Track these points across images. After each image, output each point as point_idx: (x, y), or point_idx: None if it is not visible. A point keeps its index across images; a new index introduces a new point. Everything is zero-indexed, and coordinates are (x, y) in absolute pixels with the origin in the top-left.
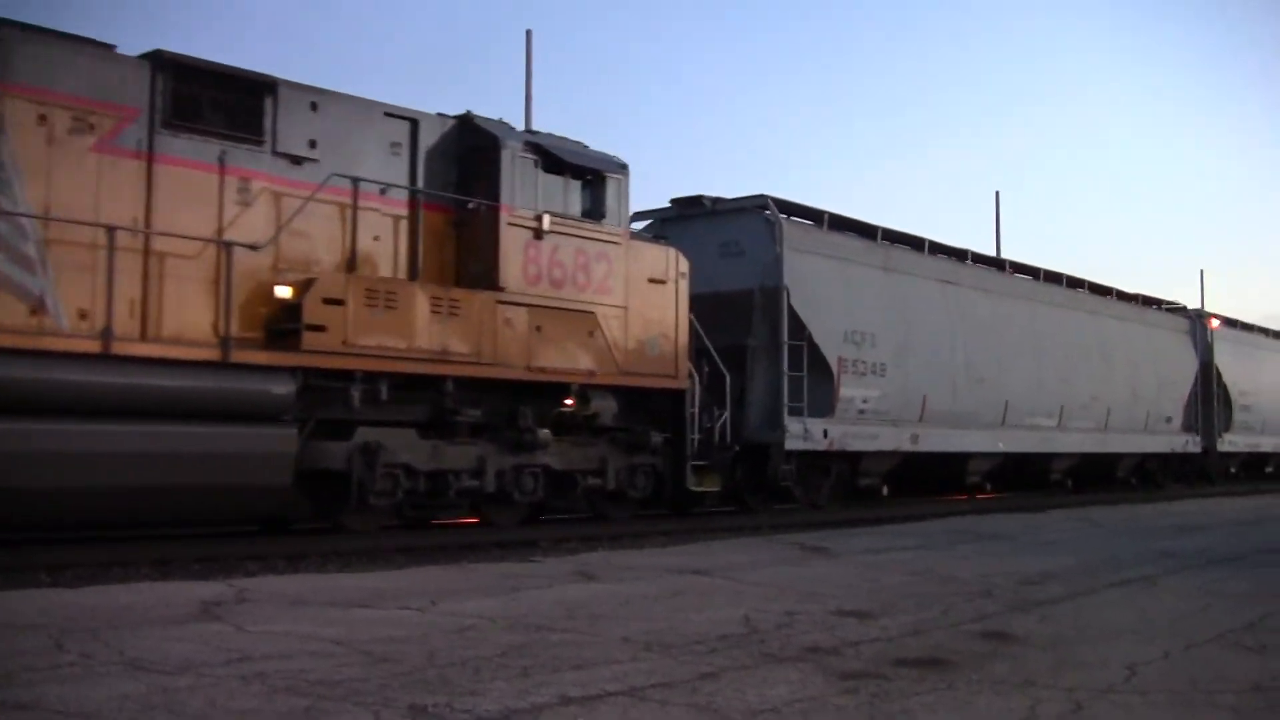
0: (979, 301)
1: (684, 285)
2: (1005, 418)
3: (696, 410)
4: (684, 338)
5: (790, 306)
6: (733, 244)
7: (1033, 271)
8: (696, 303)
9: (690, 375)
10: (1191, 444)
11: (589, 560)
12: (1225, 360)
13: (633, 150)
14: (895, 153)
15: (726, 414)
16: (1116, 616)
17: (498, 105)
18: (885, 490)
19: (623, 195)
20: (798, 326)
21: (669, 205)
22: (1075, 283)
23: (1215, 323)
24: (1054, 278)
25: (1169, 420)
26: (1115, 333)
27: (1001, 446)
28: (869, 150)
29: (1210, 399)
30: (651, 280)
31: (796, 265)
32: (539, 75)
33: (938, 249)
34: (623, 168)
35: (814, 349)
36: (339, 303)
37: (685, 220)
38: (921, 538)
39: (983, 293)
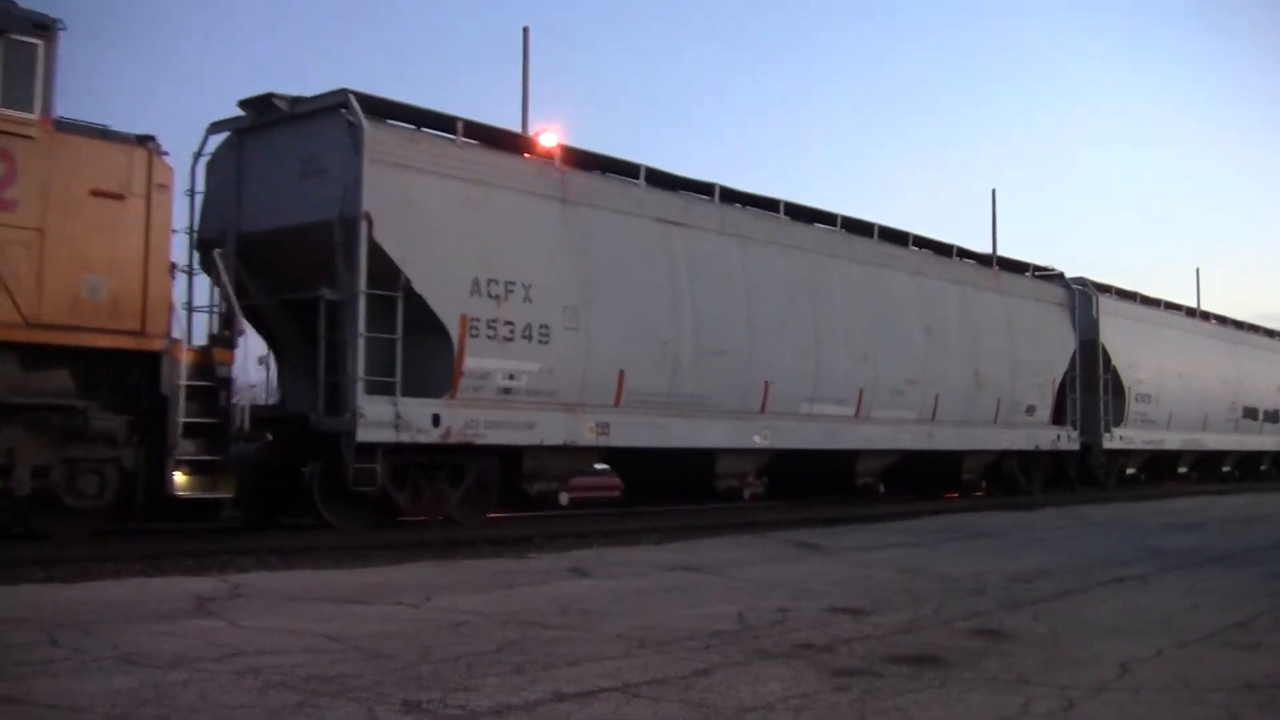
0: (726, 251)
1: (164, 201)
2: (767, 404)
3: (183, 382)
4: (160, 279)
5: (374, 242)
6: (314, 160)
7: (826, 218)
8: (272, 241)
9: (175, 332)
10: (1066, 440)
11: (582, 557)
12: (1117, 340)
13: (633, 146)
14: (898, 152)
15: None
16: (1109, 614)
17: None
18: (565, 499)
19: (44, 68)
20: (389, 271)
21: (241, 112)
22: (893, 235)
23: (1103, 294)
24: (859, 227)
25: (1031, 410)
26: (950, 300)
27: (760, 441)
28: (872, 150)
29: (1095, 385)
30: (98, 193)
31: (391, 186)
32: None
33: (661, 179)
34: (41, 27)
35: (419, 303)
36: None
37: (265, 130)
38: (913, 535)
39: (733, 239)
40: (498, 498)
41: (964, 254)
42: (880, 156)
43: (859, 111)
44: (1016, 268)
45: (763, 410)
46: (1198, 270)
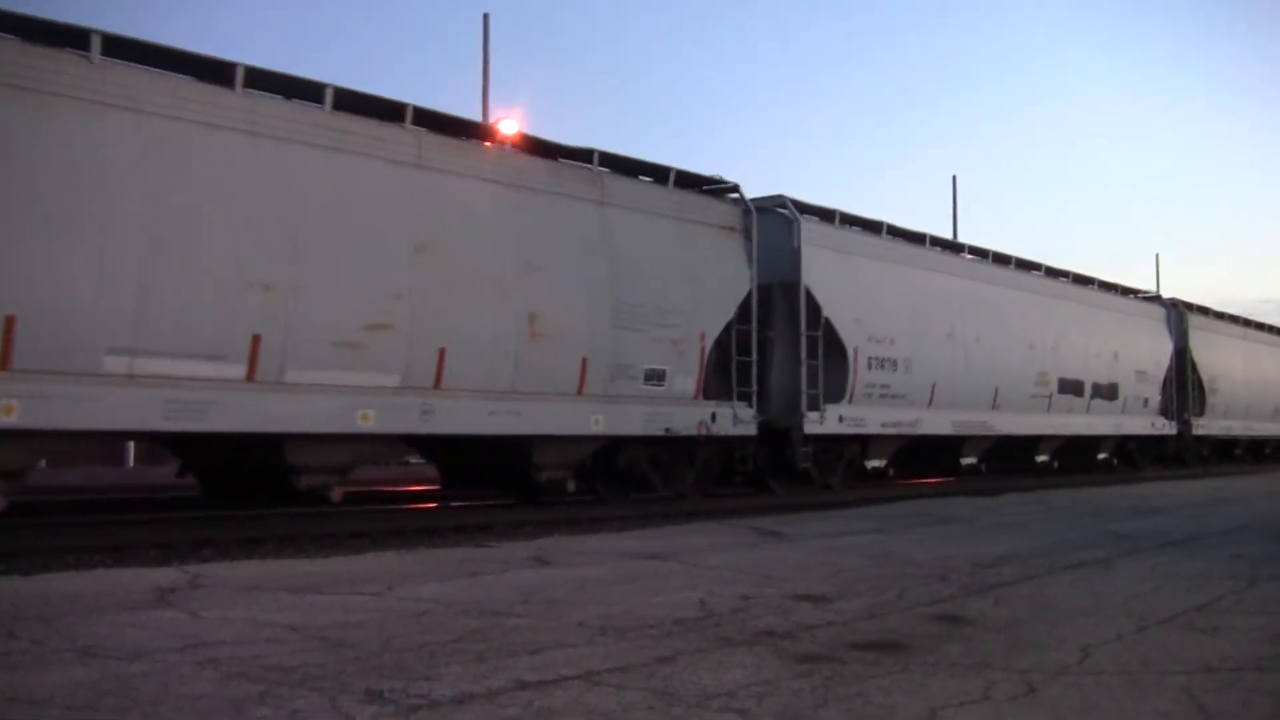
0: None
1: None
2: (12, 357)
3: None
4: None
5: None
6: None
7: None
8: None
9: None
10: (732, 421)
11: (544, 545)
12: (833, 282)
13: (605, 137)
14: (858, 137)
15: None
16: (1071, 598)
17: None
18: None
19: None
20: None
21: None
22: (372, 107)
23: (813, 218)
24: (291, 86)
25: (657, 378)
26: (481, 208)
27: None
28: (833, 135)
29: (797, 345)
30: None
31: None
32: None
33: None
34: None
35: None
36: None
37: None
38: (878, 521)
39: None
40: None
41: (538, 147)
42: (859, 148)
43: (836, 103)
44: (652, 173)
45: (4, 367)
46: (1157, 256)
